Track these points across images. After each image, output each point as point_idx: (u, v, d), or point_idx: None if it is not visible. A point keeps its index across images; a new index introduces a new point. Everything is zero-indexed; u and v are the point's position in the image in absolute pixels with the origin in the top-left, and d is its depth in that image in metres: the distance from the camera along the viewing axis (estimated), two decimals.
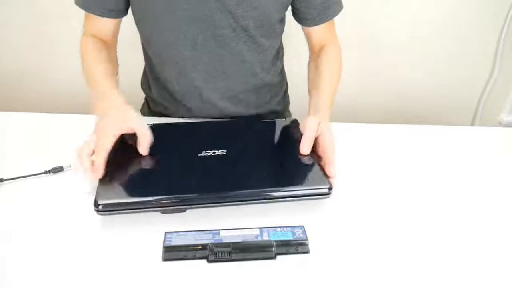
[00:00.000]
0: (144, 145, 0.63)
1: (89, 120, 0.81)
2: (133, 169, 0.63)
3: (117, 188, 0.59)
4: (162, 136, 0.68)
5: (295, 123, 0.78)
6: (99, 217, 0.58)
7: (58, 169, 0.67)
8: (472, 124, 1.76)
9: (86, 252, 0.53)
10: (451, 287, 0.51)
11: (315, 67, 0.84)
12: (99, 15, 0.77)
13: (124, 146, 0.66)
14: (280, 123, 0.80)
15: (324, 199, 0.63)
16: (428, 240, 0.58)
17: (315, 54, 0.87)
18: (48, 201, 0.61)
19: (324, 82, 0.79)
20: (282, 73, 0.96)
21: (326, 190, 0.61)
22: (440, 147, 0.81)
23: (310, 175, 0.64)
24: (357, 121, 0.81)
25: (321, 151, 0.66)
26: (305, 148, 0.65)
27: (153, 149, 0.65)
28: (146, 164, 0.64)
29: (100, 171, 0.59)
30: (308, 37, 0.87)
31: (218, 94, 0.84)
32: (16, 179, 0.65)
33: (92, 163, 0.60)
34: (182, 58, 0.79)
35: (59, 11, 1.44)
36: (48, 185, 0.65)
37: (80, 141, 0.75)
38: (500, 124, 1.75)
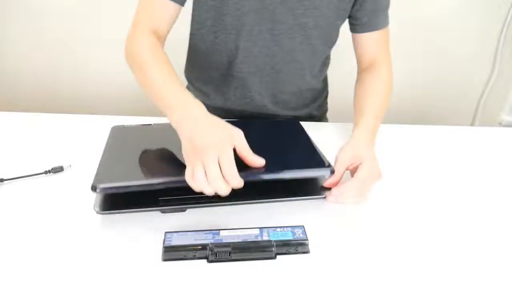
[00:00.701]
0: (250, 154, 0.57)
1: (89, 120, 0.82)
2: (134, 161, 0.63)
3: (116, 174, 0.60)
4: (165, 134, 0.68)
5: (297, 123, 0.78)
6: (99, 217, 0.58)
7: (58, 169, 0.67)
8: (472, 124, 1.76)
9: (86, 252, 0.53)
10: (451, 287, 0.51)
11: (362, 86, 0.81)
12: None
13: (125, 137, 0.65)
14: (281, 124, 0.80)
15: (324, 199, 0.63)
16: (428, 240, 0.58)
17: (362, 71, 0.85)
18: (48, 201, 0.61)
19: (369, 104, 0.76)
20: (325, 81, 0.96)
21: (328, 173, 0.61)
22: (440, 147, 0.81)
23: (311, 160, 0.65)
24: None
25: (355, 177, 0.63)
26: (328, 182, 0.63)
27: (154, 146, 0.65)
28: (147, 159, 0.64)
29: (240, 180, 0.53)
30: (357, 49, 0.85)
31: (261, 89, 0.84)
32: (16, 179, 0.65)
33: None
34: (234, 47, 0.79)
35: (60, 12, 1.44)
36: (48, 185, 0.65)
37: (80, 141, 0.75)
38: (500, 124, 1.75)
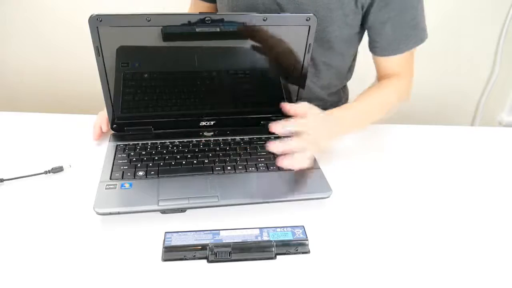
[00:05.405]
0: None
1: (89, 120, 0.82)
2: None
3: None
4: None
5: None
6: (99, 217, 0.58)
7: (58, 169, 0.67)
8: (472, 124, 1.76)
9: (86, 252, 0.53)
10: (451, 287, 0.51)
11: (371, 88, 0.79)
12: None
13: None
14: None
15: (324, 199, 0.63)
16: (428, 240, 0.58)
17: (381, 78, 0.82)
18: (48, 201, 0.61)
19: (367, 100, 0.75)
20: (336, 95, 0.92)
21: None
22: (440, 147, 0.81)
23: None
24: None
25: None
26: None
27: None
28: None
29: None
30: (376, 65, 0.82)
31: None
32: (16, 179, 0.65)
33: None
34: None
35: (60, 11, 1.44)
36: (48, 185, 0.65)
37: (80, 141, 0.75)
38: (500, 124, 1.75)
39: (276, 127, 0.60)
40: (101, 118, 0.75)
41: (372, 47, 0.79)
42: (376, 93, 0.77)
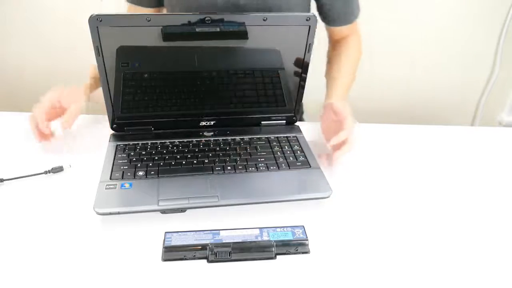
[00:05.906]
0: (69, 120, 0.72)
1: (89, 120, 0.82)
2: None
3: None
4: None
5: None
6: (99, 217, 0.58)
7: (58, 169, 0.67)
8: (472, 124, 1.76)
9: (86, 252, 0.53)
10: (451, 287, 0.51)
11: (333, 55, 0.88)
12: (139, 4, 0.82)
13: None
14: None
15: (324, 199, 0.63)
16: (428, 240, 0.58)
17: (333, 42, 0.91)
18: (48, 201, 0.61)
19: (340, 70, 0.84)
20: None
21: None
22: (440, 147, 0.81)
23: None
24: (357, 121, 0.81)
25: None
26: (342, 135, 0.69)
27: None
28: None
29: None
30: (329, 32, 0.91)
31: None
32: (16, 179, 0.65)
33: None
34: None
35: (60, 11, 1.44)
36: (48, 185, 0.65)
37: (80, 141, 0.75)
38: (500, 124, 1.75)
39: (334, 140, 0.68)
40: (32, 119, 0.71)
41: (325, 19, 0.88)
42: (345, 67, 0.86)
